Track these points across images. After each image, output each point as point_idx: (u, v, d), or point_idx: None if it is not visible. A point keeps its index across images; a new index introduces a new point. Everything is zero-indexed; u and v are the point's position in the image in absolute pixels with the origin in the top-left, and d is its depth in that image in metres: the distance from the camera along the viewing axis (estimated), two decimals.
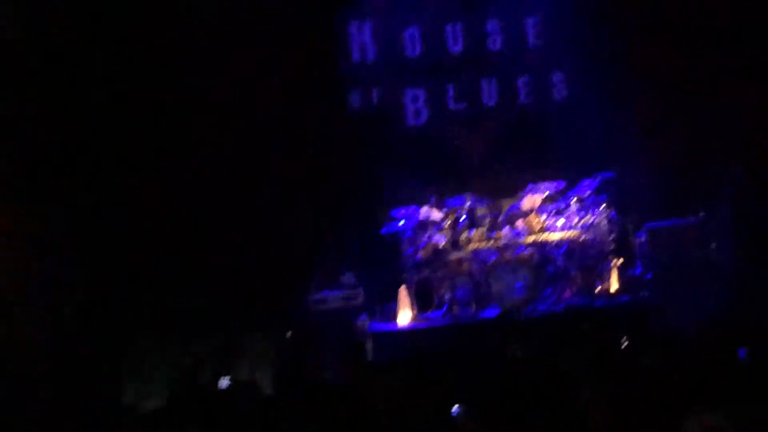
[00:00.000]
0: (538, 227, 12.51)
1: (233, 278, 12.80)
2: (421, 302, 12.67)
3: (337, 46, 13.92)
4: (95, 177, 12.36)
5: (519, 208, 12.86)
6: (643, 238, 12.46)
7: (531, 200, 12.88)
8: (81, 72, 12.43)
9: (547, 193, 12.79)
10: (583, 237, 12.57)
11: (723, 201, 12.25)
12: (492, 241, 12.48)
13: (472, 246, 12.52)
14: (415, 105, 14.09)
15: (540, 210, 12.73)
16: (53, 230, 11.53)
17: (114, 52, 12.82)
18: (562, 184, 12.83)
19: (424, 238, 12.60)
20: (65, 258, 11.58)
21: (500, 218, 12.77)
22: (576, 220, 12.57)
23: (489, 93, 14.06)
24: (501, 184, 13.41)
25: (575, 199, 12.68)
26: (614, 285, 12.53)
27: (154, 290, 12.48)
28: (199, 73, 13.06)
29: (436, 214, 12.66)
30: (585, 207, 12.65)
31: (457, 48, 14.03)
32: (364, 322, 12.10)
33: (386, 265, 12.84)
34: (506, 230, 12.52)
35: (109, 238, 12.35)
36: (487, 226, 12.59)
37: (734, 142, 12.98)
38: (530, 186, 12.88)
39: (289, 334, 11.65)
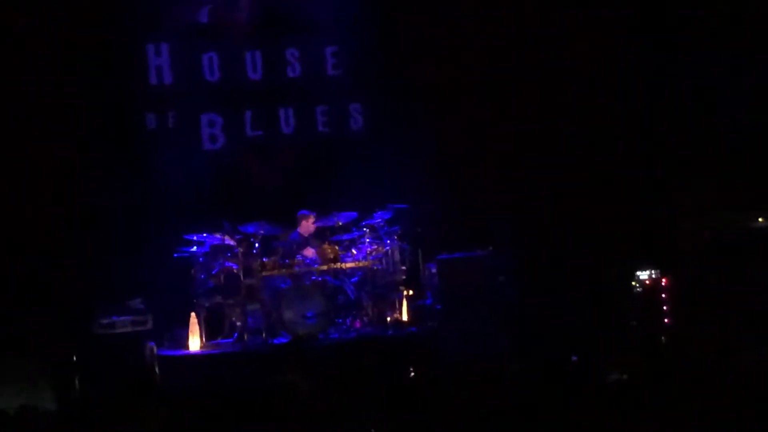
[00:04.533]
0: (331, 256, 12.56)
1: (15, 296, 12.48)
2: (211, 329, 12.58)
3: (133, 67, 13.72)
4: None
5: (311, 237, 12.95)
6: (433, 270, 12.62)
7: (323, 229, 12.99)
8: None
9: (339, 222, 12.87)
10: (375, 267, 12.70)
11: (506, 238, 12.59)
12: (285, 269, 12.48)
13: (265, 273, 12.48)
14: (212, 130, 13.99)
15: (333, 239, 12.80)
16: None
17: None
18: (355, 214, 12.93)
19: (217, 264, 12.53)
20: None
21: (293, 246, 12.78)
22: (369, 250, 12.68)
23: (286, 121, 14.08)
24: (295, 213, 13.39)
25: (368, 229, 12.79)
26: (405, 315, 12.70)
27: None
28: None
29: (230, 241, 12.58)
30: (378, 237, 12.77)
31: (256, 75, 13.99)
32: (152, 347, 11.91)
33: (177, 291, 12.70)
34: (299, 258, 12.54)
35: None
36: (280, 253, 12.57)
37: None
38: (324, 215, 12.99)
39: (74, 357, 11.37)
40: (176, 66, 13.81)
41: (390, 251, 12.80)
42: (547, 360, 9.53)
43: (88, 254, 12.91)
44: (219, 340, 12.59)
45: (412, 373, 10.44)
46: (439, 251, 12.51)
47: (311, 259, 12.58)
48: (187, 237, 12.59)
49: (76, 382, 11.19)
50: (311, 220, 12.96)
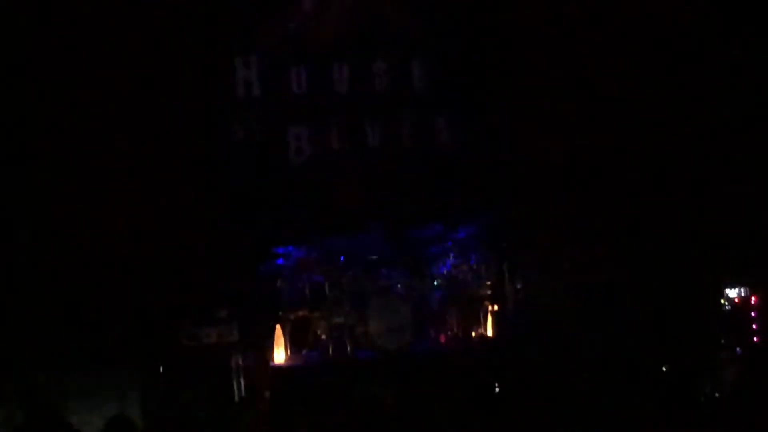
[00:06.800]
0: (416, 269, 12.59)
1: (99, 308, 12.59)
2: (296, 341, 12.63)
3: (221, 79, 13.80)
4: None
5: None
6: (519, 285, 12.58)
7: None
8: None
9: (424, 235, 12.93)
10: (460, 280, 12.67)
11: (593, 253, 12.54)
12: (370, 282, 12.52)
13: (350, 286, 12.53)
14: (298, 143, 14.01)
15: (418, 252, 12.83)
16: None
17: None
18: (440, 227, 12.93)
19: (303, 277, 12.59)
20: None
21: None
22: (453, 263, 12.66)
23: (372, 134, 14.06)
24: (380, 225, 13.40)
25: (453, 242, 12.78)
26: (489, 330, 12.66)
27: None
28: (76, 97, 12.91)
29: (315, 253, 12.65)
30: (463, 251, 12.75)
31: (342, 88, 14.00)
32: (237, 358, 11.98)
33: (263, 302, 12.77)
34: (385, 271, 12.57)
35: None
36: (365, 266, 12.62)
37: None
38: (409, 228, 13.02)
39: (160, 369, 11.47)
40: (264, 78, 13.87)
41: (475, 265, 12.77)
42: (636, 374, 9.46)
43: (174, 265, 12.99)
44: (303, 352, 12.64)
45: (497, 389, 10.40)
46: (525, 266, 12.46)
47: (397, 272, 12.63)
48: (273, 249, 12.69)
49: (164, 392, 11.29)
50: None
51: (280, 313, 12.59)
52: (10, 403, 10.76)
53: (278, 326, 12.46)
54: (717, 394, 8.75)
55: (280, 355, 12.36)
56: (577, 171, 13.48)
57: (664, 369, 9.27)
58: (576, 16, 13.63)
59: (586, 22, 13.61)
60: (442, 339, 12.60)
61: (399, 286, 12.58)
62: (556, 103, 13.67)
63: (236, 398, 11.41)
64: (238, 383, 11.61)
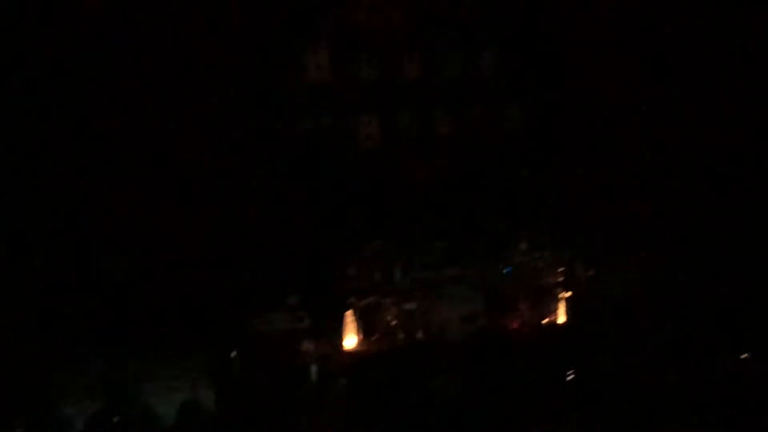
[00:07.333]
0: (488, 256, 12.56)
1: (171, 296, 12.69)
2: (367, 327, 12.63)
3: (292, 67, 13.83)
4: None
5: None
6: (592, 272, 12.52)
7: None
8: None
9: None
10: (531, 268, 12.62)
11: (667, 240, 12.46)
12: (441, 269, 12.51)
13: (421, 273, 12.52)
14: (368, 130, 14.01)
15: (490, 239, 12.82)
16: None
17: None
18: (511, 215, 12.90)
19: (373, 263, 12.60)
20: None
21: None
22: (525, 250, 12.62)
23: (443, 121, 14.04)
24: (448, 213, 13.39)
25: (524, 229, 12.74)
26: (561, 317, 12.60)
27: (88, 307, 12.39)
28: (146, 86, 13.00)
29: (385, 240, 12.66)
30: (534, 238, 12.71)
31: (413, 75, 13.98)
32: (309, 344, 12.02)
33: (333, 289, 12.79)
34: (456, 258, 12.55)
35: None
36: (436, 253, 12.61)
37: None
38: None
39: (233, 354, 11.54)
40: (334, 65, 13.87)
41: (547, 252, 12.73)
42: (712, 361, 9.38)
43: (246, 253, 13.07)
44: (374, 338, 12.64)
45: (570, 376, 10.37)
46: (597, 252, 12.39)
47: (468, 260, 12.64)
48: (342, 236, 12.70)
49: (236, 379, 11.37)
50: None
51: (351, 299, 12.60)
52: (85, 394, 10.92)
53: (349, 312, 12.48)
54: None
55: (350, 342, 12.38)
56: (652, 157, 13.42)
57: (743, 356, 9.17)
58: (653, 8, 13.55)
59: (664, 14, 13.52)
60: (514, 326, 12.55)
61: (470, 273, 12.55)
62: (631, 93, 13.59)
63: (309, 384, 11.45)
64: (310, 369, 11.66)
